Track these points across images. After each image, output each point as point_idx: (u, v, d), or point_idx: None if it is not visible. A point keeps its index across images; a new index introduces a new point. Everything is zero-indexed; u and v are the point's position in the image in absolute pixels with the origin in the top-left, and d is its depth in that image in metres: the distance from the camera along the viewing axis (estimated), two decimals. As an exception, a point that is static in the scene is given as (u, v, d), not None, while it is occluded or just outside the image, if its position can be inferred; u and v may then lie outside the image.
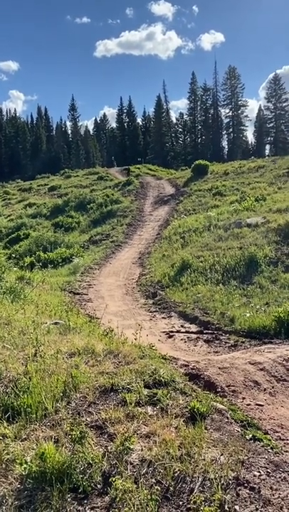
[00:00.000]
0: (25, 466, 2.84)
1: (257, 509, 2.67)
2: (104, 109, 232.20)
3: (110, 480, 2.77)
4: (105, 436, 3.29)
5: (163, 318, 10.54)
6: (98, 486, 2.82)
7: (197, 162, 33.62)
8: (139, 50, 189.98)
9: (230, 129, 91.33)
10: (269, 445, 3.68)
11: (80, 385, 3.91)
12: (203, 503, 2.62)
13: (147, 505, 2.58)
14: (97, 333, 6.07)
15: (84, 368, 4.25)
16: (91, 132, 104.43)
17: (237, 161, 38.10)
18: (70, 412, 3.57)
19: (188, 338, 8.72)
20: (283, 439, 4.17)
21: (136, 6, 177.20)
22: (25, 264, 15.17)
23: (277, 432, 4.35)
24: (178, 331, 9.23)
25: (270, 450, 3.55)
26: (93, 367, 4.39)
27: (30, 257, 18.94)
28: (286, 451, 3.69)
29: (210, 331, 9.01)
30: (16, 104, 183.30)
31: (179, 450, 3.11)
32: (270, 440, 3.85)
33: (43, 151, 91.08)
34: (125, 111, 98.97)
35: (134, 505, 2.58)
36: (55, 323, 6.17)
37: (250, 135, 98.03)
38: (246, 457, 3.21)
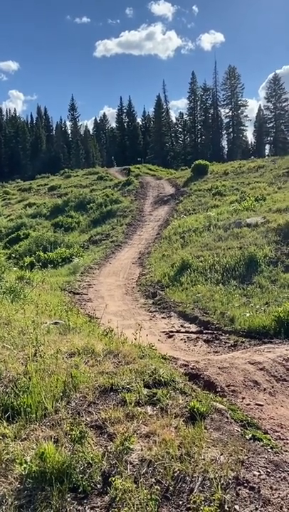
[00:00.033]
0: (25, 465, 2.84)
1: (257, 509, 2.67)
2: (104, 109, 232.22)
3: (110, 480, 2.77)
4: (105, 436, 3.29)
5: (163, 318, 10.54)
6: (98, 485, 2.82)
7: (197, 162, 33.62)
8: (138, 50, 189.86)
9: (230, 129, 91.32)
10: (269, 445, 3.68)
11: (80, 385, 3.91)
12: (203, 502, 2.62)
13: (147, 504, 2.58)
14: (96, 333, 6.07)
15: (84, 368, 4.25)
16: (91, 132, 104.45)
17: (237, 161, 38.09)
18: (70, 412, 3.57)
19: (188, 338, 8.72)
20: (283, 439, 4.17)
21: (136, 6, 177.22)
22: (25, 264, 15.17)
23: (277, 431, 4.35)
24: (178, 331, 9.23)
25: (269, 450, 3.56)
26: (93, 367, 4.39)
27: (30, 256, 18.94)
28: (286, 451, 3.69)
29: (210, 331, 9.01)
30: (15, 104, 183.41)
31: (178, 450, 3.11)
32: (269, 440, 3.86)
33: (42, 151, 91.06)
34: (125, 111, 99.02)
35: (133, 505, 2.59)
36: (55, 323, 6.18)
37: (250, 135, 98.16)
38: (246, 457, 3.22)
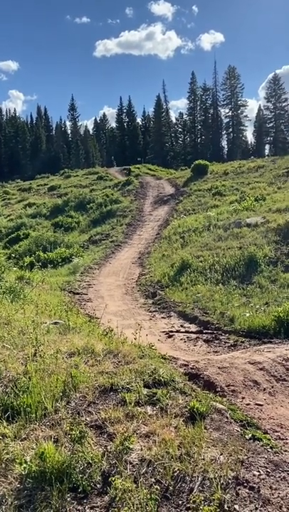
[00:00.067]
0: (24, 465, 2.84)
1: (256, 508, 2.67)
2: (103, 109, 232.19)
3: (110, 479, 2.77)
4: (105, 436, 3.29)
5: (162, 318, 10.54)
6: (98, 485, 2.82)
7: (197, 162, 33.64)
8: (138, 50, 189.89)
9: (230, 129, 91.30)
10: (268, 445, 3.68)
11: (80, 385, 3.92)
12: (202, 502, 2.62)
13: (147, 504, 2.58)
14: (96, 332, 6.07)
15: (83, 368, 4.25)
16: (91, 132, 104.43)
17: (237, 161, 38.13)
18: (70, 412, 3.57)
19: (187, 337, 8.72)
20: (283, 439, 4.17)
21: (135, 6, 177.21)
22: (25, 264, 15.15)
23: (276, 431, 4.35)
24: (177, 331, 9.23)
25: (269, 450, 3.56)
26: (93, 367, 4.39)
27: (30, 256, 18.94)
28: (285, 451, 3.69)
29: (209, 331, 9.01)
30: (15, 104, 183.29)
31: (178, 450, 3.12)
32: (269, 440, 3.86)
33: (42, 151, 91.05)
34: (125, 111, 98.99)
35: (133, 505, 2.59)
36: (55, 323, 6.18)
37: (249, 135, 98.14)
38: (246, 457, 3.22)
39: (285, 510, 2.70)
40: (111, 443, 3.18)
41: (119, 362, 4.58)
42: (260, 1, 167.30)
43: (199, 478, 2.86)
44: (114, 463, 2.96)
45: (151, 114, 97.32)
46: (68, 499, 2.71)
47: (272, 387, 5.47)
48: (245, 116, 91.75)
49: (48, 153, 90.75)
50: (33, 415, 3.46)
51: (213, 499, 2.65)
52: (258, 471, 3.07)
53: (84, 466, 2.91)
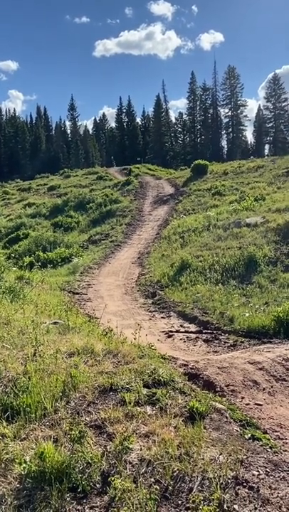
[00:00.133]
0: (24, 465, 2.84)
1: (256, 508, 2.68)
2: (103, 109, 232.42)
3: (109, 479, 2.78)
4: (104, 436, 3.29)
5: (162, 317, 10.54)
6: (97, 485, 2.83)
7: (196, 162, 33.63)
8: (138, 50, 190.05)
9: (230, 129, 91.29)
10: (268, 444, 3.69)
11: (80, 385, 3.92)
12: (202, 502, 2.62)
13: (146, 504, 2.58)
14: (96, 332, 6.07)
15: (83, 368, 4.26)
16: (90, 132, 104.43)
17: (236, 161, 38.13)
18: (70, 412, 3.57)
19: (187, 337, 8.72)
20: (282, 439, 4.18)
21: (135, 6, 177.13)
22: (25, 263, 15.16)
23: (276, 431, 4.36)
24: (177, 331, 9.23)
25: (269, 449, 3.56)
26: (92, 366, 4.39)
27: (30, 256, 18.93)
28: (285, 451, 3.70)
29: (209, 331, 9.01)
30: (15, 103, 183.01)
31: (178, 449, 3.12)
32: (269, 439, 3.86)
33: (42, 151, 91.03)
34: (124, 111, 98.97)
35: (133, 505, 2.59)
36: (55, 323, 6.18)
37: (249, 135, 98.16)
38: (245, 456, 3.22)
39: (284, 510, 2.70)
40: (110, 443, 3.18)
41: (118, 362, 4.59)
42: (260, 1, 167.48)
43: (199, 478, 2.86)
44: (114, 463, 2.97)
45: (151, 114, 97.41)
46: (68, 499, 2.71)
47: (272, 387, 5.48)
48: (245, 116, 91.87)
49: (47, 153, 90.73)
50: (33, 415, 3.46)
51: (213, 499, 2.65)
52: (258, 471, 3.07)
53: (83, 466, 2.91)
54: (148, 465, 2.96)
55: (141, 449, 3.11)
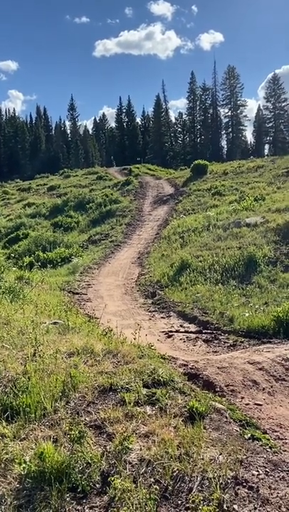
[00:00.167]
0: (24, 465, 2.85)
1: (255, 508, 2.68)
2: (103, 109, 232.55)
3: (109, 479, 2.78)
4: (104, 436, 3.29)
5: (162, 317, 10.54)
6: (97, 485, 2.83)
7: (196, 162, 33.62)
8: (138, 50, 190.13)
9: (230, 129, 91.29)
10: (268, 444, 3.69)
11: (79, 385, 3.92)
12: (201, 502, 2.62)
13: (146, 504, 2.58)
14: (96, 332, 6.07)
15: (83, 368, 4.26)
16: (90, 132, 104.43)
17: (236, 161, 38.13)
18: (69, 412, 3.57)
19: (187, 337, 8.72)
20: (282, 439, 4.18)
21: (135, 6, 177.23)
22: (25, 263, 15.15)
23: (275, 431, 4.36)
24: (177, 331, 9.23)
25: (268, 449, 3.56)
26: (92, 367, 4.39)
27: (30, 256, 18.93)
28: (285, 451, 3.70)
29: (209, 331, 9.01)
30: (15, 103, 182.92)
31: (177, 449, 3.12)
32: (268, 439, 3.86)
33: (42, 151, 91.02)
34: (124, 111, 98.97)
35: (132, 505, 2.59)
36: (54, 323, 6.18)
37: (249, 135, 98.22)
38: (245, 456, 3.22)
39: (284, 510, 2.70)
40: (110, 443, 3.18)
41: (118, 362, 4.59)
42: (260, 1, 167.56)
43: (198, 478, 2.86)
44: (114, 463, 2.97)
45: (151, 114, 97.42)
46: (67, 499, 2.71)
47: (272, 387, 5.48)
48: (245, 116, 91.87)
49: (47, 153, 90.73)
50: (33, 415, 3.46)
51: (212, 499, 2.65)
52: (257, 471, 3.08)
53: (83, 466, 2.92)
54: (148, 465, 2.96)
55: (141, 449, 3.12)
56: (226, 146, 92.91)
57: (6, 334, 5.19)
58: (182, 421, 3.52)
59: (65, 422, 3.38)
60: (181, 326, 9.72)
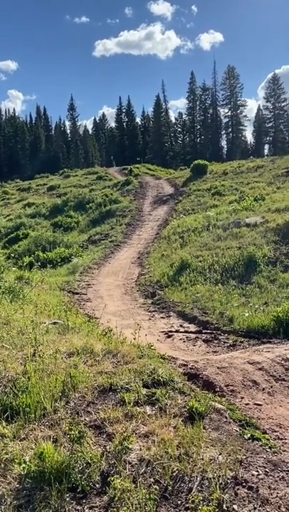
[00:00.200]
0: (24, 465, 2.85)
1: (255, 508, 2.68)
2: (103, 109, 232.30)
3: (109, 479, 2.78)
4: (104, 436, 3.29)
5: (162, 317, 10.54)
6: (97, 485, 2.83)
7: (196, 162, 33.63)
8: (138, 50, 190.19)
9: (229, 129, 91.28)
10: (267, 444, 3.69)
11: (79, 385, 3.92)
12: (201, 502, 2.62)
13: (146, 504, 2.58)
14: (96, 332, 6.07)
15: (83, 368, 4.26)
16: (90, 132, 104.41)
17: (236, 161, 38.15)
18: (69, 412, 3.57)
19: (187, 337, 8.73)
20: (282, 439, 4.18)
21: (135, 6, 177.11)
22: (24, 263, 15.18)
23: (275, 431, 4.36)
24: (177, 331, 9.23)
25: (268, 449, 3.56)
26: (92, 367, 4.39)
27: (29, 256, 18.94)
28: (284, 451, 3.70)
29: (209, 331, 9.01)
30: (14, 103, 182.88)
31: (177, 450, 3.12)
32: (268, 439, 3.86)
33: (42, 151, 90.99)
34: (124, 110, 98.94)
35: (132, 505, 2.59)
36: (54, 323, 6.18)
37: (249, 135, 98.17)
38: (244, 457, 3.22)
39: (283, 510, 2.70)
40: (110, 443, 3.18)
41: (118, 362, 4.59)
42: (260, 1, 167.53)
43: (198, 478, 2.86)
44: (114, 463, 2.97)
45: (151, 113, 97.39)
46: (67, 499, 2.71)
47: (271, 387, 5.48)
48: (245, 116, 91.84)
49: (47, 153, 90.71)
50: (32, 415, 3.46)
51: (212, 499, 2.65)
52: (257, 471, 3.08)
53: (83, 466, 2.92)
54: (147, 465, 2.96)
55: (140, 449, 3.12)
56: (225, 146, 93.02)
57: (5, 334, 5.19)
58: (182, 421, 3.52)
59: (65, 422, 3.38)
60: (180, 326, 9.72)
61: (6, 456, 3.02)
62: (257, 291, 10.91)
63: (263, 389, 5.40)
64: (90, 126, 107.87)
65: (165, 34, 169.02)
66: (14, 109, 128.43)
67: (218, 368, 5.88)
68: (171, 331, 9.20)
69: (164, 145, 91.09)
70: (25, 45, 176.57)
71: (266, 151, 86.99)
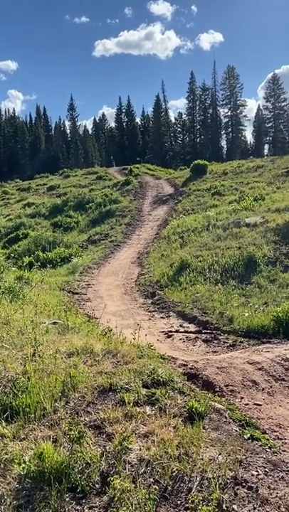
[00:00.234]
0: (23, 465, 2.85)
1: (255, 508, 2.68)
2: (103, 109, 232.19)
3: (108, 479, 2.78)
4: (104, 436, 3.30)
5: (162, 317, 10.54)
6: (96, 485, 2.83)
7: (196, 162, 33.61)
8: (138, 50, 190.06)
9: (229, 129, 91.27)
10: (267, 444, 3.69)
11: (79, 385, 3.92)
12: (201, 502, 2.62)
13: (145, 504, 2.59)
14: (95, 332, 6.08)
15: (82, 368, 4.26)
16: (90, 132, 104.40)
17: (236, 161, 38.12)
18: (69, 412, 3.57)
19: (186, 337, 8.73)
20: (281, 439, 4.18)
21: (135, 6, 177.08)
22: (24, 263, 15.16)
23: (275, 431, 4.36)
24: (177, 331, 9.23)
25: (268, 449, 3.57)
26: (92, 367, 4.39)
27: (29, 256, 18.93)
28: (284, 451, 3.70)
29: (209, 331, 9.02)
30: (14, 103, 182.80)
31: (177, 450, 3.12)
32: (268, 439, 3.86)
33: (41, 151, 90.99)
34: (124, 110, 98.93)
35: (132, 505, 2.59)
36: (54, 323, 6.18)
37: (248, 135, 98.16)
38: (244, 457, 3.22)
39: (283, 510, 2.70)
40: (110, 443, 3.18)
41: (118, 362, 4.59)
42: (260, 1, 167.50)
43: (198, 478, 2.87)
44: (113, 463, 2.97)
45: (151, 113, 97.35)
46: (67, 499, 2.71)
47: (271, 387, 5.48)
48: (245, 116, 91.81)
49: (47, 153, 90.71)
50: (32, 415, 3.47)
51: (212, 499, 2.65)
52: (257, 471, 3.08)
53: (83, 466, 2.92)
54: (147, 465, 2.96)
55: (140, 449, 3.12)
56: (225, 146, 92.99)
57: (5, 334, 5.19)
58: (182, 421, 3.53)
59: (65, 422, 3.38)
60: (180, 326, 9.72)
61: (5, 457, 3.02)
62: (257, 291, 10.91)
63: (263, 389, 5.40)
64: (89, 126, 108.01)
65: (165, 34, 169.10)
66: (14, 109, 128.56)
67: (217, 368, 5.88)
68: (170, 331, 9.20)
69: (164, 145, 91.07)
70: (25, 45, 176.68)
71: (266, 151, 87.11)
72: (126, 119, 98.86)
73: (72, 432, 3.11)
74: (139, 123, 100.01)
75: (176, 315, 10.60)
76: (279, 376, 5.76)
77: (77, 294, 13.27)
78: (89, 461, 2.95)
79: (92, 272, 16.60)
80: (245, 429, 3.96)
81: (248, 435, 3.77)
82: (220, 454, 3.13)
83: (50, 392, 3.72)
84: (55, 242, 21.85)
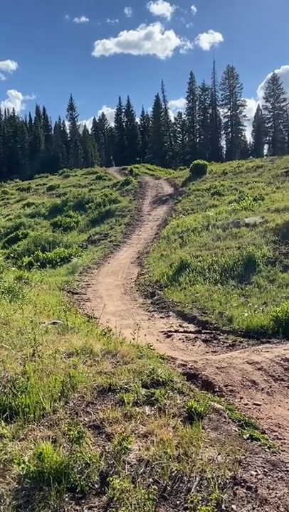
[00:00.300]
0: (23, 466, 2.85)
1: (254, 508, 2.68)
2: (102, 109, 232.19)
3: (108, 480, 2.78)
4: (103, 436, 3.30)
5: (161, 317, 10.54)
6: (96, 485, 2.83)
7: (196, 162, 33.62)
8: (137, 50, 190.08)
9: (229, 129, 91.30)
10: (266, 444, 3.70)
11: (78, 385, 3.92)
12: (200, 502, 2.63)
13: (144, 504, 2.59)
14: (95, 332, 6.08)
15: (82, 368, 4.26)
16: (89, 132, 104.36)
17: (235, 161, 38.13)
18: (68, 412, 3.57)
19: (186, 337, 8.73)
20: (280, 439, 4.18)
21: (134, 6, 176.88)
22: (24, 263, 15.18)
23: (274, 431, 4.36)
24: (176, 331, 9.24)
25: (267, 449, 3.57)
26: (91, 367, 4.40)
27: (29, 256, 18.94)
28: (283, 451, 3.71)
29: (208, 331, 9.02)
30: (14, 103, 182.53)
31: (176, 450, 3.12)
32: (267, 440, 3.87)
33: (41, 151, 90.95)
34: (124, 110, 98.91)
35: (131, 505, 2.59)
36: (54, 323, 6.18)
37: (248, 135, 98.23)
38: (243, 457, 3.23)
39: (282, 510, 2.71)
40: (109, 443, 3.18)
41: (117, 362, 4.59)
42: (260, 1, 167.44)
43: (197, 478, 2.87)
44: (112, 463, 2.97)
45: (150, 113, 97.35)
46: (66, 499, 2.71)
47: (271, 387, 5.49)
48: (244, 116, 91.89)
49: (46, 153, 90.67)
50: (32, 415, 3.47)
51: (211, 499, 2.66)
52: (256, 471, 3.08)
53: (82, 467, 2.92)
54: (146, 465, 2.97)
55: (139, 449, 3.12)
56: (225, 146, 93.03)
57: (5, 334, 5.19)
58: (181, 421, 3.53)
59: (64, 422, 3.38)
60: (180, 325, 9.72)
61: (5, 457, 3.02)
62: (256, 291, 10.91)
63: (262, 389, 5.41)
64: (89, 126, 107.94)
65: (164, 34, 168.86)
66: (14, 109, 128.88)
67: (217, 367, 5.88)
68: (170, 331, 9.21)
69: (164, 145, 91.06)
70: (25, 45, 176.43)
71: (265, 151, 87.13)
72: (126, 119, 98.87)
73: (72, 432, 3.11)
74: (139, 123, 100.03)
75: (175, 315, 10.61)
76: (278, 376, 5.76)
77: (76, 294, 13.27)
78: (88, 461, 2.95)
79: (91, 271, 16.60)
80: (244, 429, 3.97)
81: (248, 435, 3.78)
82: (219, 454, 3.13)
83: (49, 393, 3.72)
84: (55, 242, 21.86)
